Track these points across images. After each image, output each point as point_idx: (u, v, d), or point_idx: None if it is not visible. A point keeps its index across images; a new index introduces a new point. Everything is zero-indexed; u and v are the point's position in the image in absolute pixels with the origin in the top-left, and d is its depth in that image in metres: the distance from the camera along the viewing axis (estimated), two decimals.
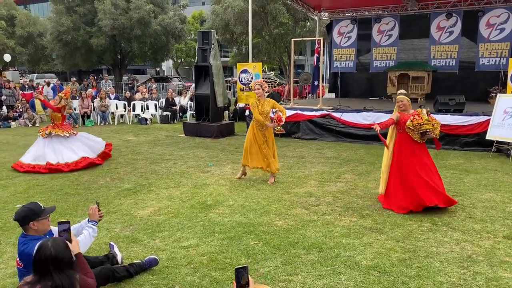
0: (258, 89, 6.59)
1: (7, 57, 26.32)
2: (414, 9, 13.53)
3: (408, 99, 5.43)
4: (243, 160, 6.85)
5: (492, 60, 12.61)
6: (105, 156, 8.40)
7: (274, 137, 6.78)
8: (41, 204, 3.08)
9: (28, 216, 2.97)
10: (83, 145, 8.07)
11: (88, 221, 3.34)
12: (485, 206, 5.42)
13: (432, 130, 5.18)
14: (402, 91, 5.61)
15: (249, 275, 2.22)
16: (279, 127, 6.51)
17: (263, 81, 6.81)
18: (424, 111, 5.23)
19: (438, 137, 5.30)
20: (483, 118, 9.13)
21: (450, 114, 9.57)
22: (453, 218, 5.00)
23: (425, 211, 5.14)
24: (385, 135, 5.64)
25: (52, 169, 7.51)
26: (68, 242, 2.66)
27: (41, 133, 7.97)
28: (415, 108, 5.46)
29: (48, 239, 2.57)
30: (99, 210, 3.37)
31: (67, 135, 7.93)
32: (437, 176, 5.34)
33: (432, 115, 5.30)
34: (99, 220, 3.39)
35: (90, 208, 3.39)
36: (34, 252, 2.49)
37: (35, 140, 8.22)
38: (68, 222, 2.91)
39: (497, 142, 8.69)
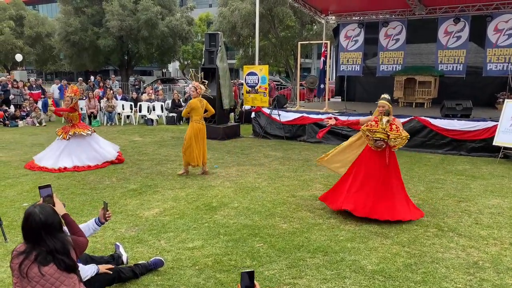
0: (193, 91, 7.26)
1: (18, 57, 26.59)
2: (422, 13, 13.50)
3: (390, 105, 5.17)
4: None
5: (500, 66, 12.54)
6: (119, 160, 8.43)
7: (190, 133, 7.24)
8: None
9: None
10: (98, 149, 8.16)
11: (96, 222, 3.34)
12: (492, 212, 5.39)
13: (386, 140, 4.97)
14: (386, 95, 5.34)
15: (255, 280, 2.21)
16: None
17: (198, 84, 7.37)
18: (385, 120, 5.02)
19: (395, 149, 5.04)
20: (490, 124, 9.08)
21: (457, 119, 9.54)
22: (459, 224, 4.97)
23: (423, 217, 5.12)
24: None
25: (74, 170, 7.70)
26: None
27: (61, 135, 7.98)
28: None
29: (34, 205, 2.60)
30: (107, 211, 3.36)
31: (89, 133, 8.09)
32: (390, 193, 5.07)
33: (399, 128, 4.97)
34: (106, 221, 3.40)
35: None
36: (23, 220, 2.53)
37: (42, 139, 8.28)
38: (49, 186, 2.89)
39: (504, 148, 8.63)
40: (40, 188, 2.89)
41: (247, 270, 2.15)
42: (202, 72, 7.60)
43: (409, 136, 5.02)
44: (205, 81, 7.83)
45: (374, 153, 5.15)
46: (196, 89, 7.27)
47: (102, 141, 8.38)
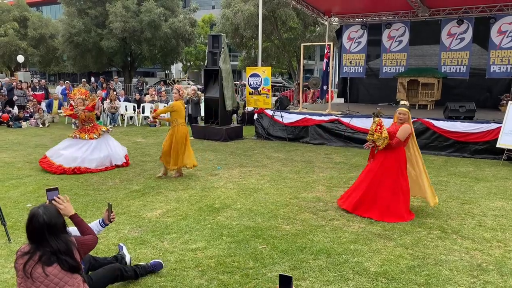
0: (176, 93, 7.17)
1: (20, 58, 26.73)
2: (425, 15, 13.49)
3: (409, 112, 5.30)
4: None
5: (504, 68, 12.52)
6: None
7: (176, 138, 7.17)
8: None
9: None
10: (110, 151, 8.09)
11: (100, 223, 3.35)
12: (496, 215, 5.37)
13: (374, 140, 5.16)
14: (405, 102, 5.45)
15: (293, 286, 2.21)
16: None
17: (180, 87, 7.33)
18: (375, 121, 5.17)
19: (379, 149, 5.19)
20: (493, 126, 9.05)
21: (460, 121, 9.52)
22: (462, 226, 4.95)
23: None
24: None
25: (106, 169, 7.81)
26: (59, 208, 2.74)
27: (85, 136, 7.88)
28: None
29: (38, 206, 2.61)
30: (112, 212, 3.33)
31: (111, 129, 8.51)
32: (388, 190, 5.21)
33: (382, 129, 5.10)
34: (111, 222, 3.38)
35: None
36: (27, 221, 2.54)
37: (45, 140, 8.27)
38: (56, 189, 2.92)
39: (508, 150, 8.61)
40: (47, 190, 2.91)
41: (286, 274, 2.14)
42: (186, 74, 7.60)
43: (387, 136, 5.08)
44: (190, 82, 7.79)
45: (377, 154, 5.37)
46: (179, 91, 7.20)
47: (115, 142, 8.37)
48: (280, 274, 2.13)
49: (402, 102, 5.44)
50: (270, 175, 7.51)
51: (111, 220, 3.34)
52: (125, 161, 8.19)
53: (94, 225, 3.36)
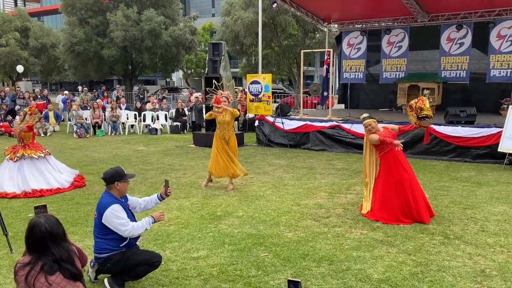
0: (225, 101, 6.98)
1: (20, 68, 26.86)
2: (424, 20, 13.54)
3: (375, 120, 5.53)
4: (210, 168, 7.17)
5: (504, 72, 12.52)
6: (75, 186, 7.24)
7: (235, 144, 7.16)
8: (124, 169, 3.78)
9: (115, 176, 3.69)
10: (51, 172, 7.15)
11: (158, 197, 3.97)
12: (498, 220, 5.35)
13: (431, 117, 5.39)
14: (366, 114, 5.67)
15: None
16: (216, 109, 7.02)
17: (229, 93, 7.20)
18: (427, 101, 5.44)
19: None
20: (494, 130, 9.04)
21: (461, 126, 9.51)
22: (465, 231, 4.94)
23: (435, 224, 5.10)
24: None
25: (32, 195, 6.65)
26: None
27: (8, 155, 7.03)
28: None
29: (38, 216, 2.63)
30: (168, 187, 3.91)
31: (42, 155, 7.11)
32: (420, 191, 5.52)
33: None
34: (168, 196, 3.97)
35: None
36: (27, 231, 2.55)
37: (47, 149, 8.16)
38: (45, 206, 3.05)
39: (510, 154, 8.59)
40: (35, 208, 3.00)
41: (295, 279, 2.16)
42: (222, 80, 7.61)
43: None
44: (238, 88, 7.64)
45: (397, 159, 5.37)
46: (228, 99, 7.00)
47: (59, 165, 7.47)
48: (288, 280, 2.13)
49: (363, 116, 5.66)
50: (271, 182, 7.51)
51: (168, 194, 3.95)
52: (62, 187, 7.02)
53: (153, 198, 3.92)
